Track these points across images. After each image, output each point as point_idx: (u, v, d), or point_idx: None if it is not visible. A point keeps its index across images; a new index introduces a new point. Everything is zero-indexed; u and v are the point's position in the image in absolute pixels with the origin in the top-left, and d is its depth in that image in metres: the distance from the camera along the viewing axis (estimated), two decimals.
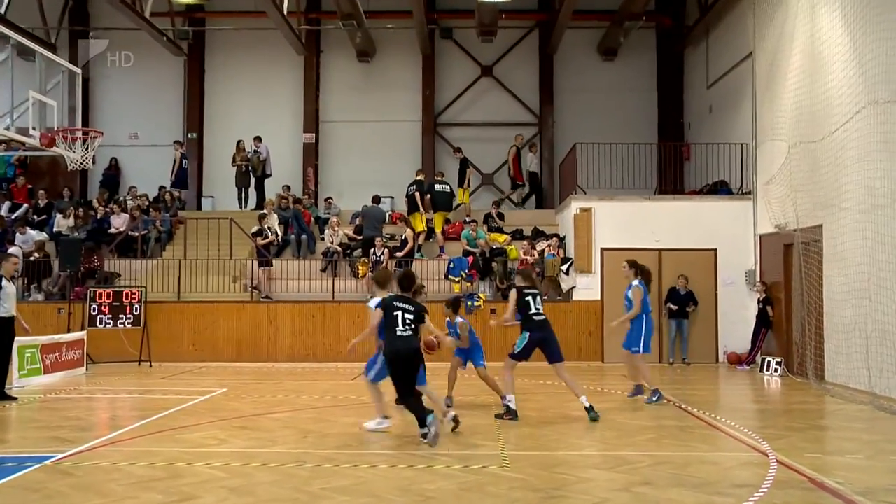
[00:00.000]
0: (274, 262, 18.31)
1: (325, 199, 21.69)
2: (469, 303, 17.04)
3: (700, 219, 17.11)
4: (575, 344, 17.11)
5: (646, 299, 11.11)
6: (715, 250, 17.06)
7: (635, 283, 11.11)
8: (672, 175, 19.85)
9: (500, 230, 19.71)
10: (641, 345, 11.12)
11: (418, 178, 19.74)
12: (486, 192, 22.93)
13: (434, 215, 19.41)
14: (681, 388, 12.80)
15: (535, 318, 9.84)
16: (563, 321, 17.18)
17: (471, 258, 18.07)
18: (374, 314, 8.57)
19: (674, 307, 16.82)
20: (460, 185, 21.14)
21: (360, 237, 19.12)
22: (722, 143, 18.04)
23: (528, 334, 9.79)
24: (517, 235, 19.74)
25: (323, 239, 19.66)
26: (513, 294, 9.91)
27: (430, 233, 19.72)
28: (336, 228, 19.18)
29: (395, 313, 8.39)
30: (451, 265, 17.83)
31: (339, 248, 18.83)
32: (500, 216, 20.36)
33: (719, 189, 17.87)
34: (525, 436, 8.93)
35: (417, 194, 19.29)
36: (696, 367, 16.30)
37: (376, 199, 19.98)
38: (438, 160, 22.79)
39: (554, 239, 18.35)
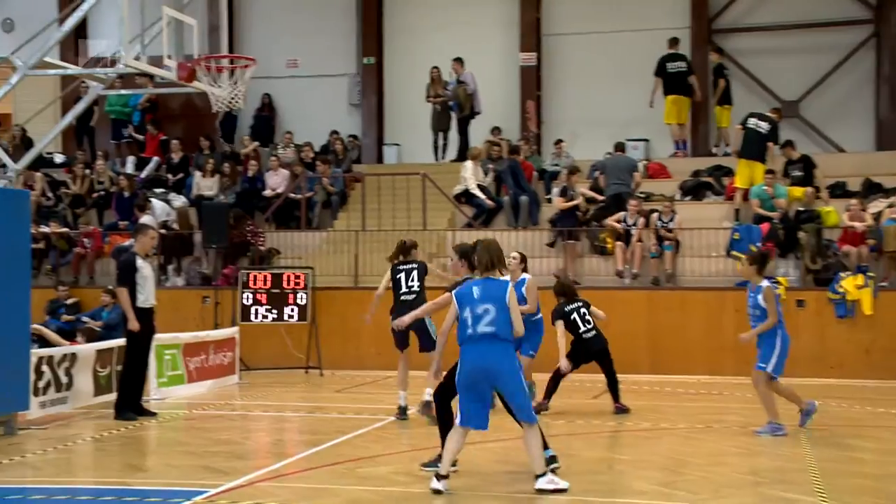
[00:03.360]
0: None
1: (555, 144, 21.67)
2: None
3: None
4: None
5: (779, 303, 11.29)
6: None
7: (764, 283, 11.17)
8: None
9: (807, 183, 18.82)
10: (774, 363, 11.15)
11: (771, 114, 19.26)
12: (789, 130, 21.93)
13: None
14: None
15: (401, 297, 12.15)
16: None
17: (765, 226, 17.51)
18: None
19: None
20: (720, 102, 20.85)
21: (602, 197, 18.96)
22: None
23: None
24: (838, 191, 18.92)
25: (550, 201, 19.68)
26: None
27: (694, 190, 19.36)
28: (568, 185, 19.13)
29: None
30: (736, 236, 17.31)
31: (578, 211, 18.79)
32: (808, 161, 19.32)
33: None
34: (859, 489, 8.59)
35: (771, 144, 18.85)
36: None
37: (620, 148, 19.71)
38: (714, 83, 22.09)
39: None
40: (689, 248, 17.86)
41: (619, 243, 17.89)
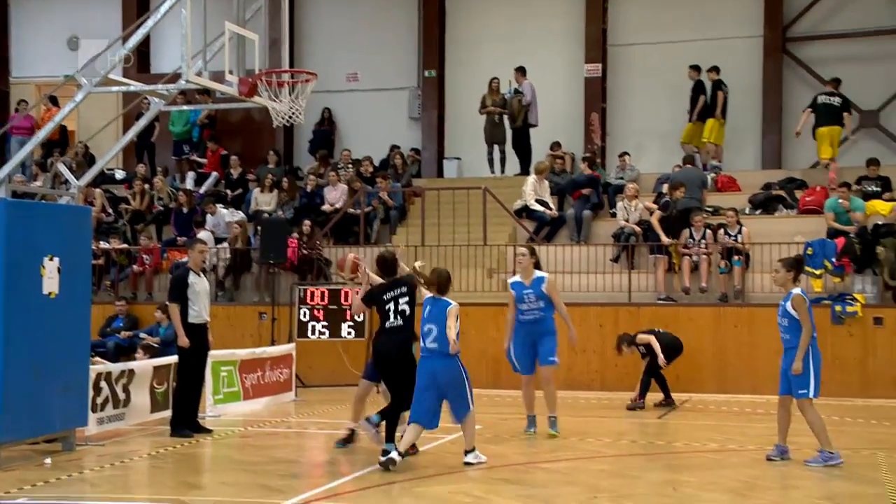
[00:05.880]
0: (546, 246, 18.49)
1: (619, 157, 21.63)
2: (839, 307, 16.41)
3: None
4: None
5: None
6: None
7: (796, 290, 10.63)
8: None
9: (883, 195, 18.68)
10: (813, 385, 10.46)
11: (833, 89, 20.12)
12: (869, 140, 21.77)
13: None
14: None
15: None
16: None
17: (841, 240, 17.30)
18: None
19: None
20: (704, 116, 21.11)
21: (667, 212, 18.86)
22: None
23: None
24: None
25: (614, 215, 19.65)
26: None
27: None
28: (633, 200, 19.08)
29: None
30: (810, 251, 17.09)
31: (637, 228, 18.73)
32: (887, 183, 19.15)
33: None
34: None
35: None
36: None
37: (689, 160, 19.64)
38: (788, 92, 21.92)
39: None
40: (759, 264, 17.69)
41: (685, 259, 17.80)
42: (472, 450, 10.32)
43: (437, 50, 24.17)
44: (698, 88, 21.25)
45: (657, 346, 14.90)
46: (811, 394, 10.43)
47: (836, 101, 19.87)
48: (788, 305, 10.48)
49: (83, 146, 23.05)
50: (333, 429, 13.29)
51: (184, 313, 12.38)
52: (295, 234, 19.47)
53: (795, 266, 10.89)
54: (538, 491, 9.09)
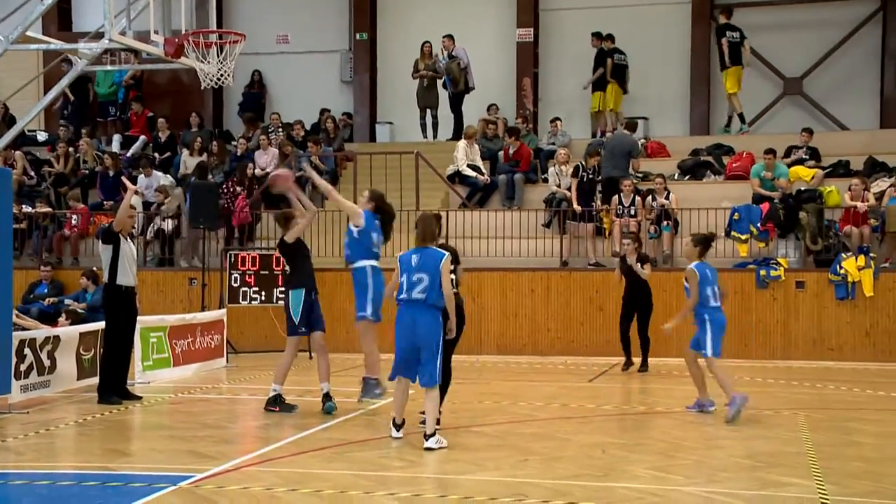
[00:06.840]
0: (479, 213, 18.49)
1: (551, 122, 21.65)
2: (763, 272, 16.68)
3: None
4: None
5: (708, 284, 11.33)
6: None
7: (690, 266, 11.40)
8: None
9: (809, 162, 18.97)
10: (710, 346, 11.39)
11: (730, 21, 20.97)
12: (792, 107, 22.05)
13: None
14: None
15: None
16: None
17: (765, 206, 17.56)
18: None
19: None
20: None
21: (577, 177, 18.93)
22: None
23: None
24: (840, 170, 18.98)
25: (546, 180, 19.69)
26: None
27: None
28: (565, 166, 19.14)
29: None
30: (736, 216, 17.34)
31: (568, 194, 18.81)
32: (815, 153, 19.46)
33: None
34: (857, 472, 8.61)
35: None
36: None
37: (632, 126, 19.66)
38: (716, 59, 22.15)
39: None
40: (687, 229, 17.86)
41: (616, 224, 17.92)
42: (434, 434, 9.36)
43: (369, 12, 23.99)
44: (600, 57, 21.33)
45: (642, 279, 15.03)
46: (709, 353, 11.22)
47: (736, 35, 20.57)
48: (683, 278, 11.19)
49: (2, 106, 22.53)
50: (265, 394, 13.20)
51: (112, 276, 12.16)
52: (238, 188, 19.31)
53: (703, 243, 11.50)
54: (470, 454, 9.14)
